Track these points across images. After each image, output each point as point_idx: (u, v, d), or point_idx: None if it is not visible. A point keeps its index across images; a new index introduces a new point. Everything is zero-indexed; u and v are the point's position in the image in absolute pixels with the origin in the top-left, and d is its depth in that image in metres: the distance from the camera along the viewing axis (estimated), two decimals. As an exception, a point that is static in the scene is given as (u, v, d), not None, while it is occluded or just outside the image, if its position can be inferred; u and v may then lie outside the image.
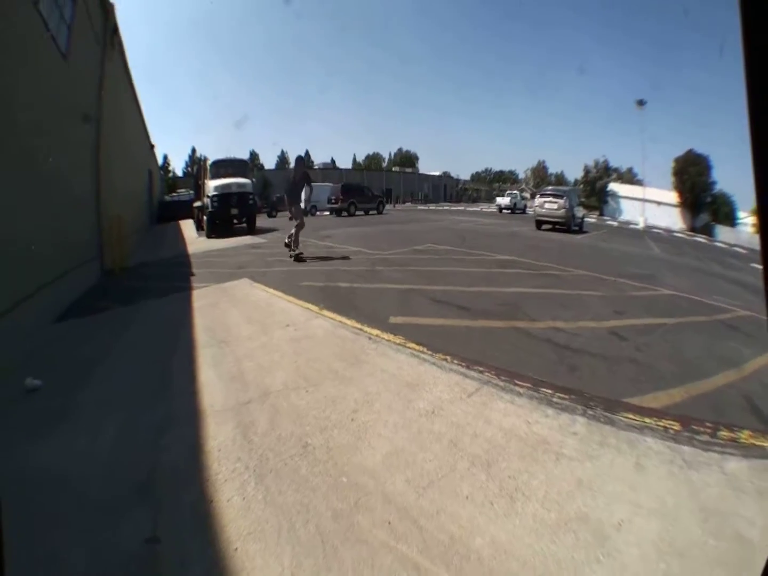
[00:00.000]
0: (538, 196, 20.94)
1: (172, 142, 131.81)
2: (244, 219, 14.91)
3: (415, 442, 1.84)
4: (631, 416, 2.40)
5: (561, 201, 17.31)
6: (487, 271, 7.34)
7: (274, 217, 28.47)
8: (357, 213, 27.46)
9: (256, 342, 3.24)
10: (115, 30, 9.52)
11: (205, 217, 14.53)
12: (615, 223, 35.71)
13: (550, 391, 2.56)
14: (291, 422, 2.04)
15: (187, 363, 2.91)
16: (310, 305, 4.35)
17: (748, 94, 0.64)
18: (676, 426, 2.35)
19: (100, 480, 1.72)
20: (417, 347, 3.11)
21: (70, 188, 6.34)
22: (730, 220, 58.84)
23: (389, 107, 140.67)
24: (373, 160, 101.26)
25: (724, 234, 50.10)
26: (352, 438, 1.90)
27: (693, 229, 52.26)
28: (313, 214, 30.57)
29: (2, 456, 1.92)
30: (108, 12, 8.88)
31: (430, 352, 2.99)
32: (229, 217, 14.12)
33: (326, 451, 1.80)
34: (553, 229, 17.52)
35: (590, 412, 2.38)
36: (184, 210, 24.11)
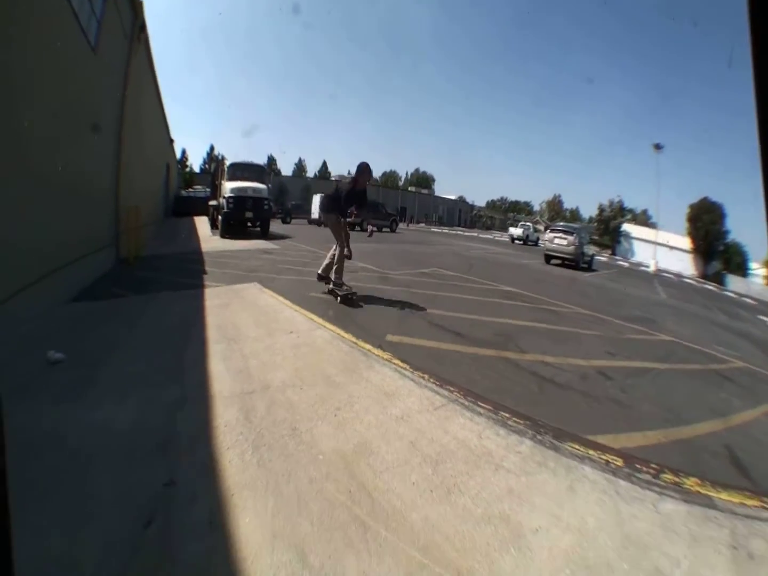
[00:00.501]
0: (548, 231, 21.07)
1: (191, 135, 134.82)
2: (258, 223, 15.19)
3: (382, 439, 2.25)
4: (576, 446, 2.58)
5: (571, 238, 17.39)
6: (488, 301, 7.50)
7: (288, 223, 28.91)
8: (371, 229, 28.02)
9: (261, 344, 3.65)
10: (142, 27, 9.86)
11: (220, 217, 14.83)
12: (626, 264, 35.44)
13: (507, 415, 2.81)
14: (285, 411, 2.46)
15: (199, 354, 3.32)
16: (314, 316, 4.73)
17: (756, 101, 0.64)
18: (619, 462, 2.50)
19: (125, 439, 2.13)
20: (401, 364, 3.49)
21: (90, 177, 6.69)
22: (742, 270, 58.25)
23: (407, 123, 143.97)
24: (390, 177, 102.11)
25: (734, 283, 49.81)
26: (332, 429, 2.31)
27: (704, 276, 51.66)
28: (327, 226, 31.26)
29: (37, 415, 2.31)
30: (137, 9, 9.26)
31: (411, 369, 3.37)
32: (243, 219, 14.49)
33: (310, 435, 2.22)
34: (562, 265, 17.57)
35: (539, 437, 2.60)
36: (200, 206, 24.71)
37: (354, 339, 4.04)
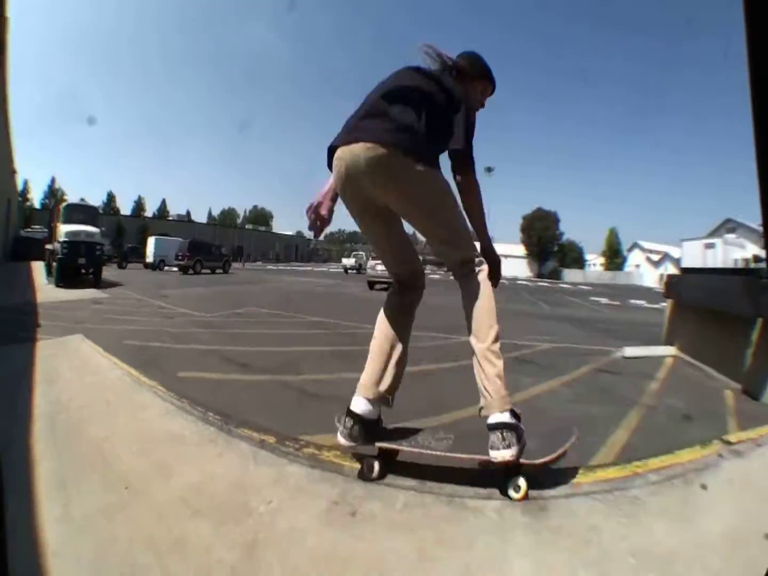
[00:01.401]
0: (370, 258, 22.27)
1: (31, 162, 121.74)
2: (91, 270, 15.39)
3: (120, 430, 3.47)
4: (247, 431, 3.36)
5: None
6: (289, 333, 8.55)
7: (124, 268, 28.78)
8: (203, 271, 28.96)
9: (72, 383, 5.05)
10: (2, 47, 10.44)
11: (54, 263, 14.76)
12: (458, 278, 36.98)
13: (212, 414, 3.72)
14: (71, 416, 4.10)
15: (26, 393, 4.62)
16: (117, 360, 5.71)
17: (752, 97, 0.67)
18: (272, 440, 3.16)
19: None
20: (161, 389, 4.52)
21: None
22: (579, 263, 67.81)
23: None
24: (228, 215, 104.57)
25: (571, 275, 57.63)
26: (96, 419, 3.77)
27: (540, 275, 57.76)
28: (162, 269, 31.36)
29: None
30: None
31: (164, 391, 4.46)
32: (76, 266, 14.72)
33: (78, 421, 3.68)
34: (386, 289, 18.63)
35: (225, 426, 3.44)
36: (40, 249, 23.74)
37: (142, 376, 5.02)
